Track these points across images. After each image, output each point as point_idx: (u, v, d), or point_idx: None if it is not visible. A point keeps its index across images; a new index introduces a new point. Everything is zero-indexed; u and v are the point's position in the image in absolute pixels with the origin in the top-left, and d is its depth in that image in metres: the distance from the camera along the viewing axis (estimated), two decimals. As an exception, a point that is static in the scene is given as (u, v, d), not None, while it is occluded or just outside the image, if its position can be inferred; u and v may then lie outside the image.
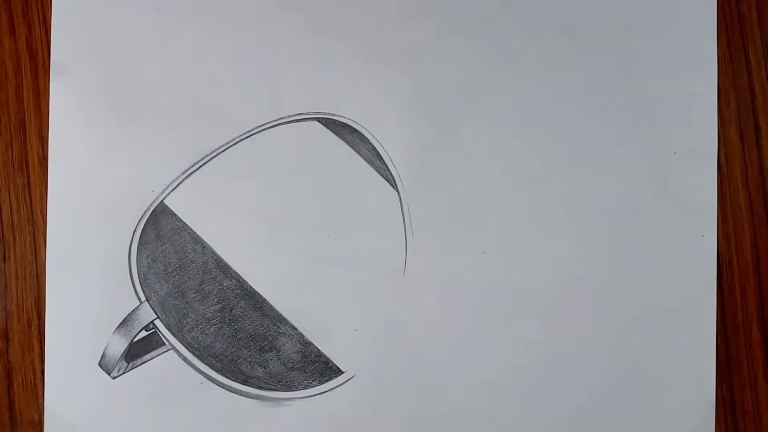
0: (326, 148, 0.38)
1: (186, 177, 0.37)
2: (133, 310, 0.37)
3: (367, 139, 0.38)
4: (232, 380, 0.37)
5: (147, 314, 0.37)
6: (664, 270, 0.37)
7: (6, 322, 0.37)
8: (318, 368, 0.37)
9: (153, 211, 0.37)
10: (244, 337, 0.37)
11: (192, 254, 0.37)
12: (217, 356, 0.37)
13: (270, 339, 0.37)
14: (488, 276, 0.37)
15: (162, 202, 0.37)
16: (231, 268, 0.37)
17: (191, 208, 0.37)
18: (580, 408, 0.36)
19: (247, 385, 0.37)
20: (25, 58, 0.38)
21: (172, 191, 0.37)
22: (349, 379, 0.37)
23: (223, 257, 0.37)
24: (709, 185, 0.37)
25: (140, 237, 0.37)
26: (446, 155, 0.38)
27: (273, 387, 0.37)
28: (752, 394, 0.37)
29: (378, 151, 0.38)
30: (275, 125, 0.38)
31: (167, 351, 0.37)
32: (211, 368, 0.37)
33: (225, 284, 0.37)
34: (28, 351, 0.37)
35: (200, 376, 0.37)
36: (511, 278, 0.37)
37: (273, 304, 0.37)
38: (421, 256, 0.37)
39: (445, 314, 0.37)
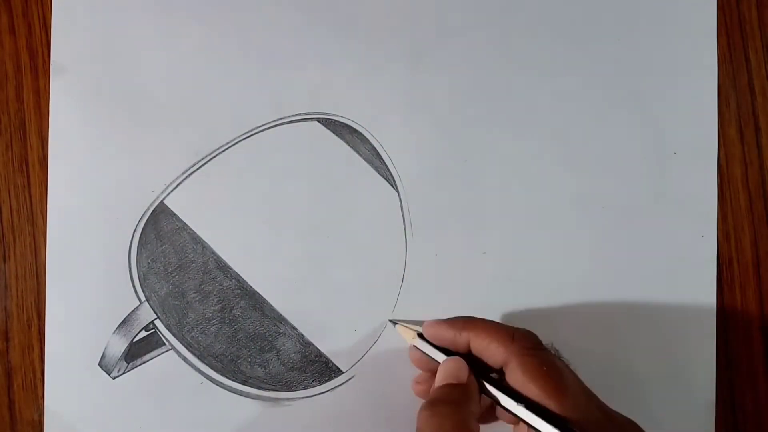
0: (326, 148, 0.38)
1: (186, 177, 0.37)
2: (133, 310, 0.37)
3: (367, 139, 0.38)
4: (232, 380, 0.37)
5: (147, 314, 0.37)
6: (664, 270, 0.37)
7: (6, 322, 0.37)
8: (318, 368, 0.37)
9: (153, 211, 0.37)
10: (244, 337, 0.37)
11: (192, 254, 0.37)
12: (217, 356, 0.37)
13: (270, 339, 0.37)
14: (488, 276, 0.37)
15: (162, 202, 0.37)
16: (231, 268, 0.37)
17: (191, 208, 0.37)
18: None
19: (247, 385, 0.37)
20: (25, 58, 0.38)
21: (172, 191, 0.37)
22: (349, 379, 0.37)
23: (223, 257, 0.37)
24: (709, 185, 0.37)
25: (140, 237, 0.37)
26: (446, 155, 0.38)
27: (273, 387, 0.37)
28: (752, 394, 0.37)
29: (378, 151, 0.38)
30: (275, 125, 0.38)
31: (167, 351, 0.37)
32: (211, 368, 0.37)
33: (225, 284, 0.37)
34: (28, 351, 0.37)
35: (200, 376, 0.37)
36: (511, 278, 0.37)
37: (273, 304, 0.37)
38: (421, 256, 0.37)
39: (445, 314, 0.36)
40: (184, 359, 0.37)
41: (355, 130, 0.38)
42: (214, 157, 0.38)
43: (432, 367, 0.34)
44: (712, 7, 0.38)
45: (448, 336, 0.33)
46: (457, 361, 0.32)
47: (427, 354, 0.34)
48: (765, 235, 0.38)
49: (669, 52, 0.38)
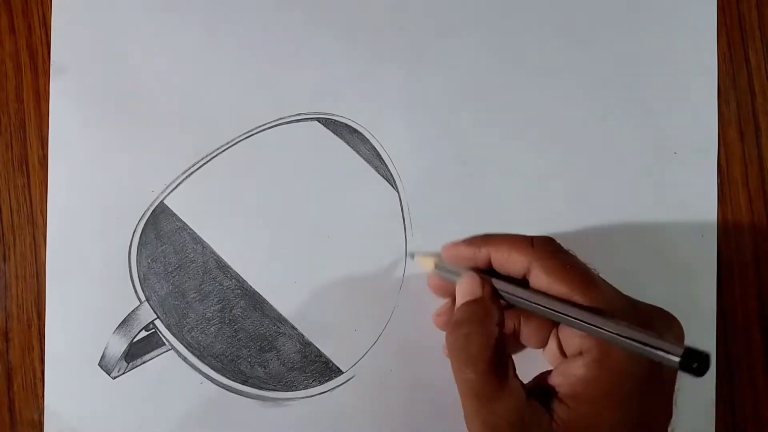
0: (326, 148, 0.38)
1: (186, 177, 0.37)
2: (133, 310, 0.37)
3: (367, 139, 0.38)
4: (232, 380, 0.37)
5: (147, 314, 0.37)
6: (664, 270, 0.37)
7: (6, 322, 0.37)
8: (318, 368, 0.37)
9: (153, 211, 0.37)
10: (244, 337, 0.37)
11: (192, 254, 0.37)
12: (217, 356, 0.37)
13: (270, 339, 0.37)
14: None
15: (162, 202, 0.37)
16: (231, 268, 0.37)
17: (191, 208, 0.37)
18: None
19: (247, 385, 0.37)
20: (25, 58, 0.38)
21: (172, 191, 0.37)
22: (349, 379, 0.37)
23: (223, 257, 0.37)
24: (709, 185, 0.37)
25: (140, 237, 0.37)
26: (446, 155, 0.38)
27: (273, 387, 0.37)
28: (752, 394, 0.37)
29: (378, 151, 0.38)
30: (275, 125, 0.38)
31: (167, 351, 0.37)
32: (211, 368, 0.37)
33: (225, 284, 0.37)
34: (28, 351, 0.37)
35: (200, 376, 0.37)
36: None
37: (273, 304, 0.37)
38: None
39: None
40: (184, 359, 0.37)
41: (355, 130, 0.38)
42: (214, 157, 0.38)
43: (453, 293, 0.34)
44: (712, 7, 0.38)
45: (467, 254, 0.32)
46: (471, 276, 0.32)
47: (447, 278, 0.33)
48: (765, 235, 0.38)
49: (669, 52, 0.38)
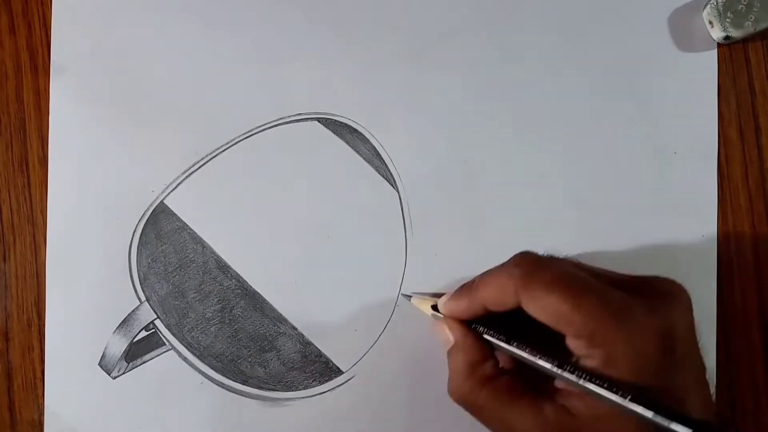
0: (326, 148, 0.38)
1: (186, 177, 0.37)
2: (133, 310, 0.37)
3: (367, 139, 0.38)
4: (232, 380, 0.37)
5: (147, 314, 0.37)
6: (664, 270, 0.37)
7: (6, 322, 0.37)
8: (318, 368, 0.37)
9: (153, 211, 0.37)
10: (244, 337, 0.37)
11: (192, 254, 0.37)
12: (217, 356, 0.37)
13: (270, 339, 0.37)
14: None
15: (162, 202, 0.37)
16: (231, 268, 0.37)
17: (191, 208, 0.37)
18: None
19: (247, 385, 0.37)
20: (25, 58, 0.38)
21: (172, 191, 0.37)
22: (349, 379, 0.37)
23: (223, 257, 0.37)
24: (709, 185, 0.37)
25: (140, 237, 0.37)
26: (446, 155, 0.38)
27: (273, 387, 0.37)
28: (752, 394, 0.37)
29: (378, 151, 0.38)
30: (275, 125, 0.38)
31: (167, 351, 0.37)
32: (211, 368, 0.37)
33: (225, 284, 0.37)
34: (28, 351, 0.37)
35: (200, 376, 0.37)
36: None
37: (273, 304, 0.37)
38: (421, 256, 0.37)
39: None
40: (184, 359, 0.37)
41: (355, 130, 0.38)
42: (214, 157, 0.38)
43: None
44: (712, 7, 0.38)
45: (462, 308, 0.31)
46: (438, 325, 0.32)
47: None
48: (765, 235, 0.38)
49: (669, 52, 0.38)
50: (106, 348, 0.37)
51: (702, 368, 0.29)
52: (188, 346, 0.37)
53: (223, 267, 0.37)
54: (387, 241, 0.37)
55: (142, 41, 0.38)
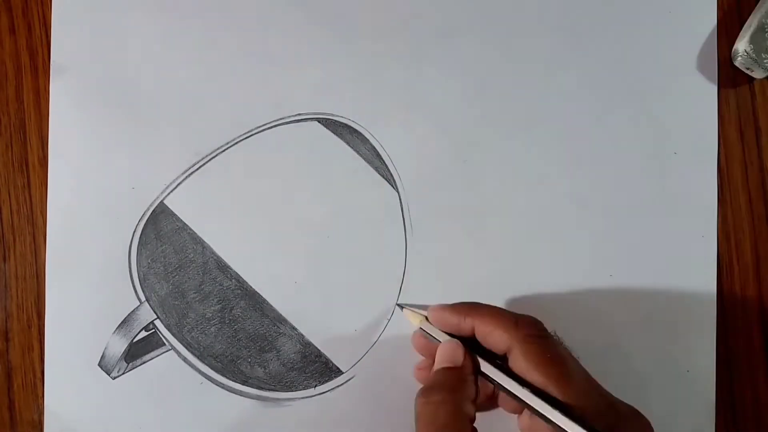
0: (326, 148, 0.38)
1: (186, 177, 0.37)
2: (133, 311, 0.37)
3: (367, 139, 0.38)
4: (232, 380, 0.37)
5: (147, 314, 0.37)
6: (664, 270, 0.37)
7: (6, 322, 0.37)
8: (318, 368, 0.37)
9: (153, 211, 0.37)
10: (244, 337, 0.37)
11: (192, 254, 0.37)
12: (217, 356, 0.37)
13: (270, 339, 0.37)
14: (488, 276, 0.37)
15: (162, 202, 0.37)
16: (231, 268, 0.37)
17: (191, 208, 0.37)
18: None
19: (247, 385, 0.37)
20: (25, 58, 0.38)
21: (172, 191, 0.37)
22: (349, 380, 0.37)
23: (223, 257, 0.37)
24: (709, 185, 0.37)
25: (140, 237, 0.37)
26: (446, 155, 0.38)
27: (273, 387, 0.37)
28: (752, 394, 0.37)
29: (378, 151, 0.38)
30: (275, 125, 0.38)
31: (167, 351, 0.37)
32: (211, 368, 0.37)
33: (225, 284, 0.37)
34: (28, 351, 0.37)
35: (200, 376, 0.37)
36: (511, 278, 0.37)
37: (273, 304, 0.37)
38: (421, 256, 0.37)
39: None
40: (184, 359, 0.37)
41: (355, 130, 0.38)
42: (214, 157, 0.38)
43: (434, 353, 0.34)
44: (712, 6, 0.38)
45: (452, 321, 0.33)
46: (454, 343, 0.32)
47: (432, 337, 0.34)
48: (765, 235, 0.38)
49: (669, 52, 0.38)
50: (106, 348, 0.37)
51: None
52: (188, 346, 0.37)
53: (223, 267, 0.37)
54: (387, 241, 0.37)
55: (142, 41, 0.38)
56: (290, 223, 0.37)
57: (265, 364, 0.37)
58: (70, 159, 0.37)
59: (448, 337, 0.33)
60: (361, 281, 0.37)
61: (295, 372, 0.37)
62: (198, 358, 0.37)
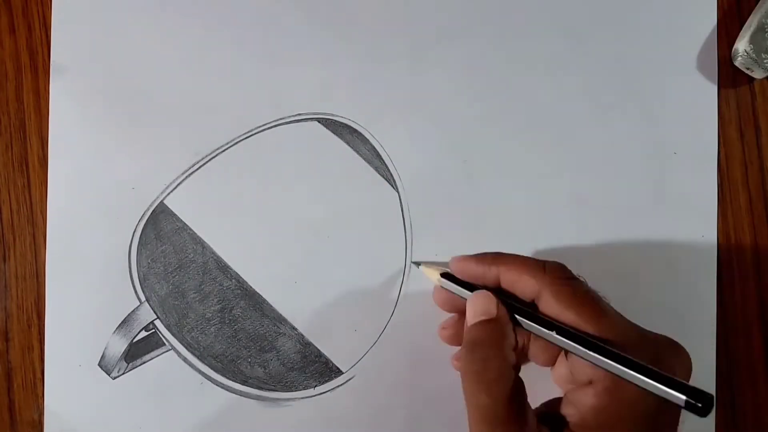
0: (326, 148, 0.38)
1: (186, 177, 0.37)
2: (133, 311, 0.37)
3: (367, 139, 0.38)
4: (232, 380, 0.37)
5: (147, 314, 0.37)
6: (664, 270, 0.37)
7: (6, 322, 0.37)
8: (318, 368, 0.37)
9: (153, 211, 0.37)
10: (244, 337, 0.37)
11: (192, 254, 0.37)
12: (217, 356, 0.37)
13: (270, 339, 0.37)
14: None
15: (162, 202, 0.37)
16: (231, 268, 0.37)
17: (191, 208, 0.37)
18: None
19: (247, 386, 0.37)
20: (25, 58, 0.38)
21: (172, 191, 0.37)
22: (349, 380, 0.37)
23: (223, 257, 0.37)
24: (709, 185, 0.37)
25: (140, 237, 0.37)
26: (446, 155, 0.38)
27: (273, 387, 0.37)
28: (752, 394, 0.37)
29: (378, 151, 0.38)
30: (275, 125, 0.38)
31: (167, 351, 0.37)
32: (211, 368, 0.37)
33: (225, 284, 0.37)
34: (28, 351, 0.37)
35: (200, 376, 0.37)
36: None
37: (273, 304, 0.37)
38: (421, 256, 0.37)
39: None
40: (184, 359, 0.37)
41: (355, 130, 0.38)
42: (214, 157, 0.38)
43: (459, 307, 0.33)
44: (712, 6, 0.38)
45: (477, 271, 0.32)
46: (486, 294, 0.31)
47: (454, 292, 0.33)
48: (765, 235, 0.38)
49: (669, 52, 0.38)
50: (106, 348, 0.37)
51: None
52: (188, 347, 0.37)
53: (223, 267, 0.37)
54: (387, 241, 0.37)
55: (142, 41, 0.38)
56: (290, 223, 0.37)
57: (265, 364, 0.37)
58: (70, 159, 0.37)
59: (469, 293, 0.32)
60: (361, 281, 0.37)
61: (295, 372, 0.37)
62: (198, 358, 0.37)
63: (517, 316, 0.31)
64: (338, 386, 0.37)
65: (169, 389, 0.37)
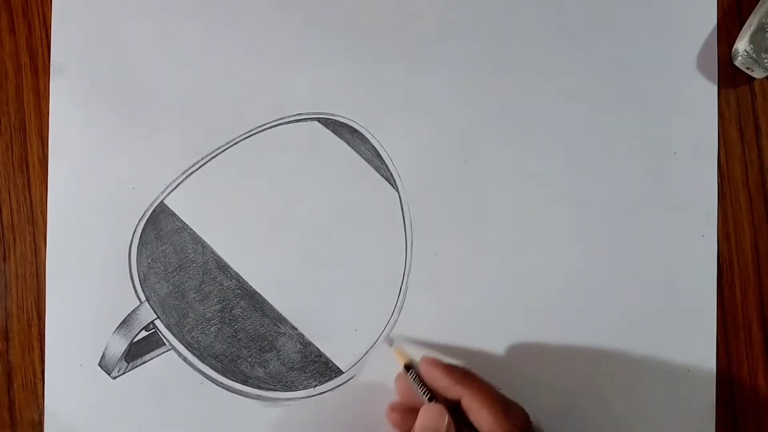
0: (326, 148, 0.38)
1: (186, 177, 0.37)
2: (133, 311, 0.37)
3: (367, 139, 0.38)
4: (232, 380, 0.37)
5: (147, 314, 0.37)
6: (664, 270, 0.37)
7: (6, 322, 0.37)
8: (318, 368, 0.37)
9: (153, 211, 0.37)
10: (244, 337, 0.37)
11: (192, 254, 0.37)
12: (217, 356, 0.37)
13: (270, 339, 0.37)
14: (488, 276, 0.37)
15: (162, 202, 0.37)
16: (231, 268, 0.37)
17: (191, 208, 0.37)
18: (580, 408, 0.36)
19: (247, 385, 0.37)
20: (25, 58, 0.38)
21: (172, 191, 0.37)
22: (349, 379, 0.37)
23: (223, 257, 0.37)
24: (709, 185, 0.37)
25: (140, 237, 0.37)
26: (446, 155, 0.38)
27: (273, 387, 0.37)
28: (752, 394, 0.37)
29: (378, 151, 0.38)
30: (275, 125, 0.38)
31: (167, 351, 0.37)
32: (211, 368, 0.37)
33: (225, 284, 0.37)
34: (28, 351, 0.37)
35: (200, 376, 0.37)
36: (511, 278, 0.37)
37: (273, 304, 0.37)
38: (421, 256, 0.37)
39: (445, 314, 0.37)
40: (184, 359, 0.37)
41: (355, 130, 0.38)
42: (214, 157, 0.38)
43: (412, 401, 0.34)
44: (712, 7, 0.38)
45: (442, 383, 0.33)
46: (440, 411, 0.32)
47: (414, 388, 0.34)
48: (765, 235, 0.38)
49: (669, 52, 0.38)
50: (106, 348, 0.37)
51: None
52: (188, 346, 0.37)
53: (223, 267, 0.37)
54: (387, 241, 0.37)
55: (142, 41, 0.38)
56: (290, 223, 0.37)
57: (265, 364, 0.37)
58: (70, 159, 0.37)
59: (425, 399, 0.33)
60: (361, 281, 0.37)
61: (295, 372, 0.37)
62: (198, 358, 0.37)
63: None
64: (338, 386, 0.37)
65: (169, 389, 0.37)
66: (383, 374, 0.37)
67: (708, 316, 0.37)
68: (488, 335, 0.37)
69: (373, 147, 0.38)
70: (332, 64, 0.38)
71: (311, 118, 0.38)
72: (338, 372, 0.37)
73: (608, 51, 0.38)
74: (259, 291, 0.37)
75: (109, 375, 0.37)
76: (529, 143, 0.38)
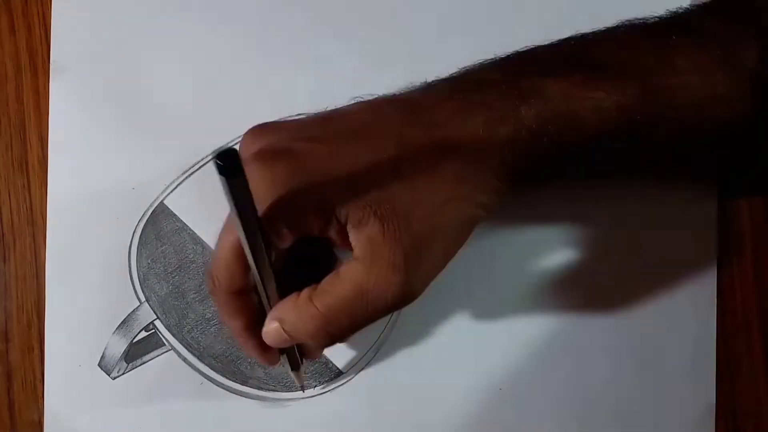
0: (326, 148, 0.37)
1: (186, 177, 0.37)
2: (133, 311, 0.37)
3: (367, 140, 0.37)
4: (232, 380, 0.37)
5: (147, 315, 0.37)
6: (664, 270, 0.37)
7: (6, 322, 0.37)
8: (318, 368, 0.37)
9: (153, 211, 0.37)
10: (244, 337, 0.37)
11: (192, 255, 0.37)
12: (217, 357, 0.37)
13: (270, 339, 0.37)
14: (488, 275, 0.37)
15: (162, 202, 0.37)
16: (231, 269, 0.37)
17: (191, 209, 0.37)
18: (580, 409, 0.36)
19: (247, 386, 0.37)
20: (25, 58, 0.38)
21: (172, 191, 0.37)
22: (349, 380, 0.37)
23: (223, 257, 0.37)
24: (709, 185, 0.37)
25: (140, 237, 0.37)
26: (446, 155, 0.37)
27: (273, 387, 0.37)
28: (752, 395, 0.37)
29: (378, 152, 0.37)
30: (275, 125, 0.38)
31: (167, 351, 0.37)
32: (211, 368, 0.37)
33: (225, 284, 0.37)
34: (28, 352, 0.37)
35: (200, 376, 0.37)
36: (511, 278, 0.37)
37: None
38: (421, 257, 0.37)
39: (445, 314, 0.37)
40: (184, 359, 0.37)
41: (355, 131, 0.38)
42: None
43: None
44: (713, 7, 0.38)
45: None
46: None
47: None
48: (765, 235, 0.38)
49: (669, 52, 0.38)
50: (106, 348, 0.37)
51: None
52: (188, 347, 0.37)
53: (223, 267, 0.37)
54: (387, 241, 0.37)
55: (142, 41, 0.38)
56: (290, 223, 0.37)
57: (265, 364, 0.37)
58: (70, 159, 0.37)
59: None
60: (361, 281, 0.37)
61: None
62: (198, 358, 0.37)
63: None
64: (338, 386, 0.37)
65: (169, 389, 0.37)
66: (383, 374, 0.37)
67: (708, 317, 0.37)
68: (487, 335, 0.37)
69: (373, 147, 0.37)
70: (332, 64, 0.38)
71: (311, 119, 0.38)
72: (338, 372, 0.37)
73: (608, 51, 0.38)
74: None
75: (108, 375, 0.37)
76: (529, 143, 0.37)
